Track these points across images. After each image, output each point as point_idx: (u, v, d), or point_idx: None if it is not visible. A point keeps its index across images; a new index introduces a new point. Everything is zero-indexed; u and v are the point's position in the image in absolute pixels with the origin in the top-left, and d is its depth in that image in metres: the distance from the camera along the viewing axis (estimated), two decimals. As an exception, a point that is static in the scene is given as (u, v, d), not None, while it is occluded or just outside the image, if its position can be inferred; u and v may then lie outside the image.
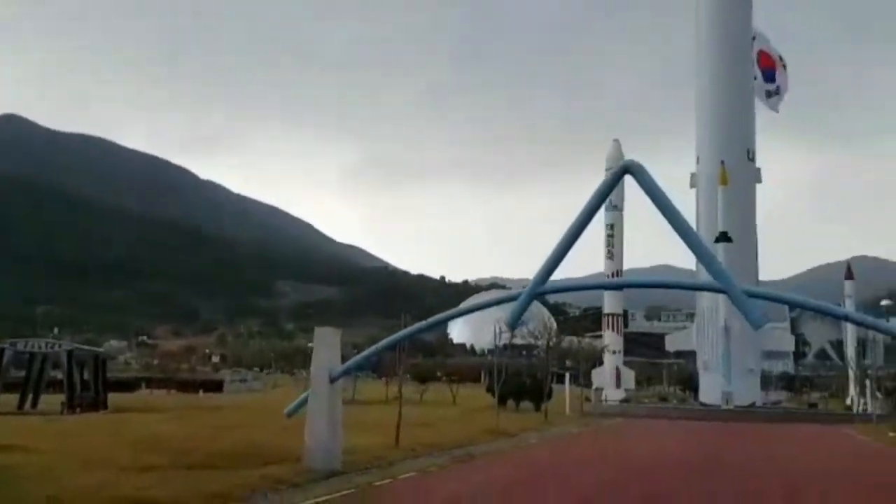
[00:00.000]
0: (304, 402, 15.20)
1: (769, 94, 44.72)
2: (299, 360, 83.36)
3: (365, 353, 16.93)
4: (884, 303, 40.46)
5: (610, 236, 48.65)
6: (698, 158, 45.02)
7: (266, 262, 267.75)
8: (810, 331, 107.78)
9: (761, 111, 44.58)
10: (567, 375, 46.67)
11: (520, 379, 45.02)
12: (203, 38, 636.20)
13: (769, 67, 43.50)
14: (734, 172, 40.94)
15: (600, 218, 48.05)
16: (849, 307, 41.49)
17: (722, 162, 40.49)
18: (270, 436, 17.97)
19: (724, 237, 39.27)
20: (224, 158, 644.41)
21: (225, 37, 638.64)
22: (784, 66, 44.19)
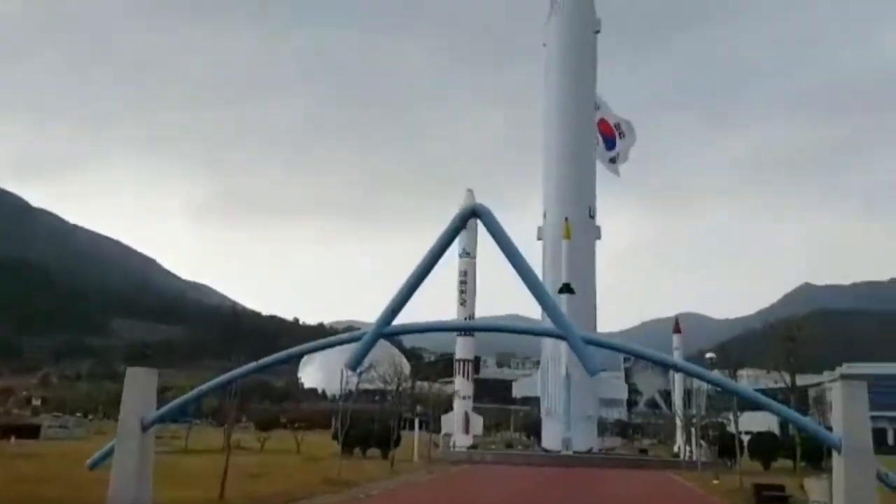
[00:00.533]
0: (110, 452, 13.68)
1: (611, 160, 47.95)
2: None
3: (185, 397, 15.68)
4: (708, 355, 43.72)
5: (463, 282, 48.69)
6: (545, 214, 47.60)
7: (102, 299, 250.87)
8: (642, 380, 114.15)
9: (603, 172, 48.16)
10: (416, 421, 46.46)
11: (368, 425, 44.32)
12: (46, 53, 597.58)
13: (609, 135, 46.82)
14: (577, 228, 44.45)
15: (455, 264, 49.03)
16: (676, 359, 44.41)
17: (566, 218, 43.91)
18: (71, 489, 16.38)
19: (567, 288, 42.54)
20: (61, 186, 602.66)
21: (71, 55, 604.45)
22: (622, 135, 47.58)
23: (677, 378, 53.47)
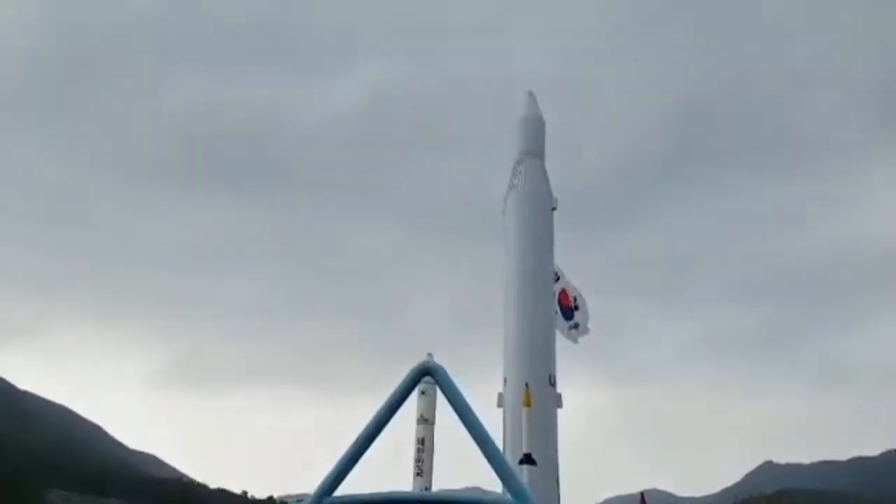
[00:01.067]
0: None
1: (571, 328, 48.16)
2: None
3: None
4: None
5: (420, 451, 48.02)
6: (505, 380, 47.20)
7: (40, 467, 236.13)
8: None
9: (563, 344, 48.27)
10: None
11: None
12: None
13: (567, 307, 47.02)
14: (537, 396, 43.24)
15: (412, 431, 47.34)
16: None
17: (526, 384, 42.87)
18: None
19: (527, 459, 40.87)
20: (12, 353, 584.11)
21: (23, 220, 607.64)
22: (577, 308, 47.99)
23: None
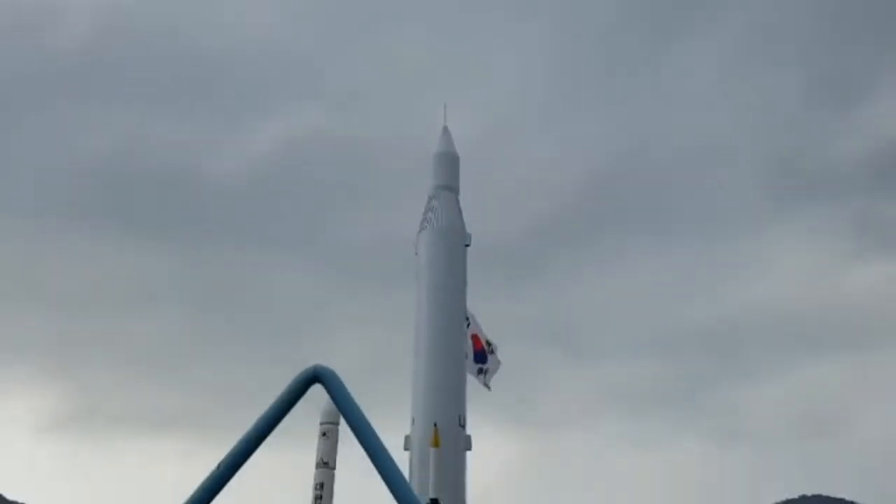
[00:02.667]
0: None
1: (480, 372, 47.46)
2: None
3: None
4: None
5: (318, 497, 44.94)
6: (413, 420, 45.70)
7: None
8: None
9: (473, 387, 47.27)
10: None
11: None
12: None
13: (479, 350, 46.34)
14: (446, 436, 41.98)
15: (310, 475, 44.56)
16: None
17: (435, 424, 41.59)
18: None
19: (434, 503, 39.38)
20: None
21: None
22: (492, 351, 47.48)
23: None
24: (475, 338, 38.28)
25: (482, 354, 39.76)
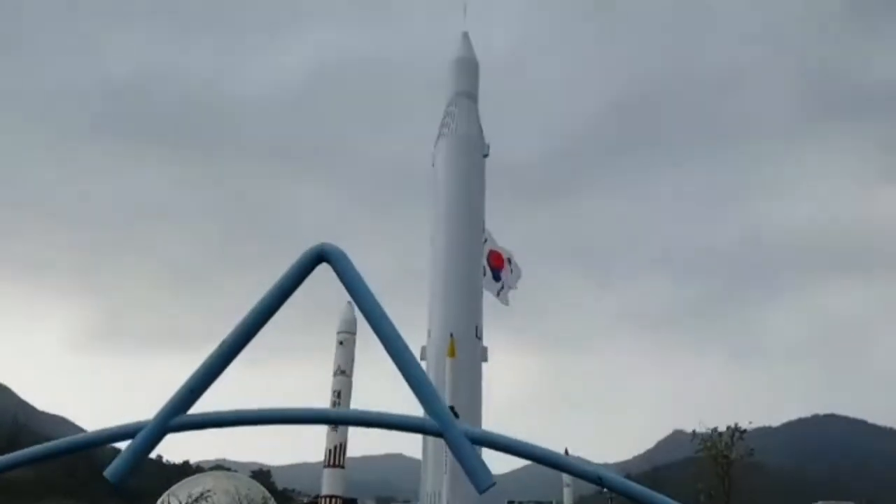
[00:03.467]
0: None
1: (498, 291, 47.49)
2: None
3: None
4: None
5: (336, 404, 44.24)
6: (429, 332, 46.16)
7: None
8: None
9: (489, 301, 47.66)
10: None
11: None
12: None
13: (497, 268, 46.21)
14: (462, 347, 42.27)
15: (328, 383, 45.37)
16: (567, 496, 42.65)
17: (451, 334, 41.86)
18: None
19: (450, 411, 39.91)
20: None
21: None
22: (511, 270, 47.47)
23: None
24: (494, 254, 37.89)
25: (499, 272, 39.36)
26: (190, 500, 47.49)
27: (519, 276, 33.90)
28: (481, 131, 18.46)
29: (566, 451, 57.51)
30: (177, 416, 3.65)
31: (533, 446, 3.68)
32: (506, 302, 35.52)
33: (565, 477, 52.14)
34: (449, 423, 3.59)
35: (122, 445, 3.73)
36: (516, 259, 30.10)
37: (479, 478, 3.52)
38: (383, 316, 3.72)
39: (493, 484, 3.40)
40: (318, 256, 3.97)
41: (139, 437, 3.61)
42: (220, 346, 3.76)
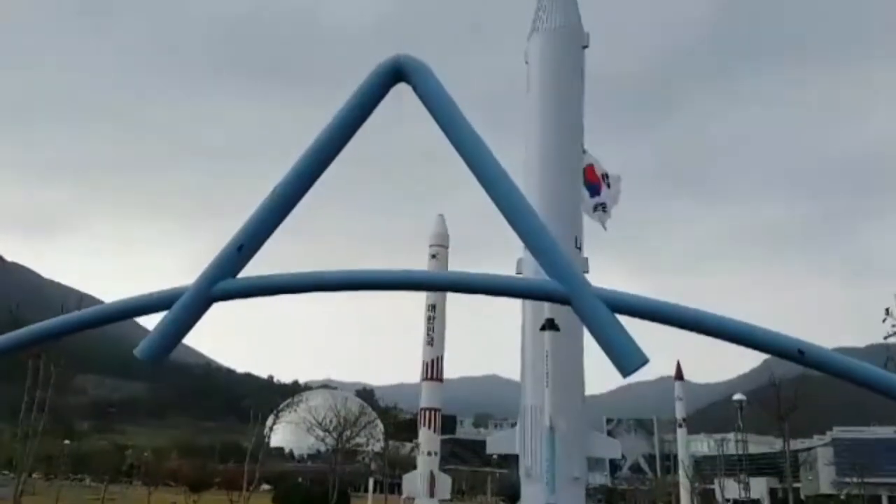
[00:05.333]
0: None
1: (595, 208, 45.73)
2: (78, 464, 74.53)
3: None
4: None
5: (431, 318, 40.51)
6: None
7: (65, 353, 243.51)
8: (624, 444, 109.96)
9: (588, 224, 46.03)
10: (371, 482, 43.24)
11: (304, 486, 41.33)
12: (49, 112, 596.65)
13: (595, 183, 44.34)
14: None
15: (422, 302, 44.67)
16: (679, 409, 41.98)
17: None
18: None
19: (550, 324, 39.14)
20: (42, 243, 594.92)
21: (71, 112, 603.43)
22: (608, 185, 45.46)
23: (657, 443, 50.47)
24: (590, 169, 35.53)
25: (597, 188, 36.89)
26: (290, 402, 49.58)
27: (618, 196, 31.50)
28: (580, 20, 16.58)
29: (678, 365, 55.93)
30: (223, 280, 2.60)
31: (702, 313, 2.48)
32: (602, 223, 33.19)
33: (678, 390, 51.08)
34: (579, 284, 2.48)
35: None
36: (617, 176, 27.89)
37: (625, 354, 2.42)
38: (480, 143, 2.59)
39: (646, 362, 2.28)
40: (394, 72, 2.82)
41: (176, 306, 2.59)
42: (273, 191, 2.69)
